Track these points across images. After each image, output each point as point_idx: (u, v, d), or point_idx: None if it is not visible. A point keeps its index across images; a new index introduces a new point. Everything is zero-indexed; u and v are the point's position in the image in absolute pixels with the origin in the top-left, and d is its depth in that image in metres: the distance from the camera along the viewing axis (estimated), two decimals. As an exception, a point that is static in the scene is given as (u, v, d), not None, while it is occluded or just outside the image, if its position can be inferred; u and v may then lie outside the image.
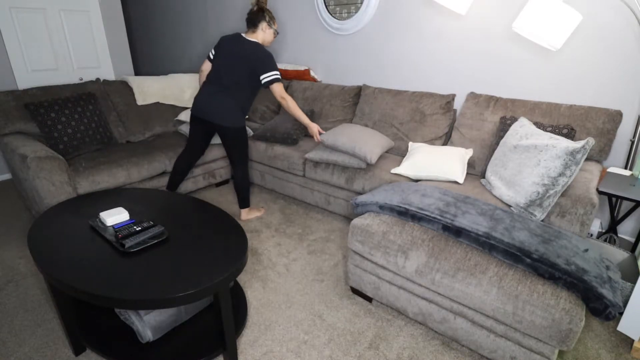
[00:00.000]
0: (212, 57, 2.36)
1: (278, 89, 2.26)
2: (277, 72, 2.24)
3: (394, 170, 2.30)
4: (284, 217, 2.69)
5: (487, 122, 2.34)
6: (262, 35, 2.28)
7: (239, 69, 2.21)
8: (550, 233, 1.46)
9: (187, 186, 2.93)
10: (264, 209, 2.78)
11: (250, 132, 3.12)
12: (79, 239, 1.47)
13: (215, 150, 3.02)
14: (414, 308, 1.62)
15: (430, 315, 1.57)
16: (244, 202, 2.59)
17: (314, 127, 2.42)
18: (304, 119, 2.38)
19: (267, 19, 2.26)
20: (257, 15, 2.24)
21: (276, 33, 2.35)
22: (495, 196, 1.95)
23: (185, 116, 3.09)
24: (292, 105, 2.32)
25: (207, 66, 2.42)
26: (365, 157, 2.30)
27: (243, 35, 2.27)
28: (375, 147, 2.38)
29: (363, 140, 2.37)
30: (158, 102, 3.14)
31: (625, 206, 2.20)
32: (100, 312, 1.60)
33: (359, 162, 2.36)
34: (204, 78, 2.45)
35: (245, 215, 2.63)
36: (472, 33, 2.50)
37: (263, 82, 2.24)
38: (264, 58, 2.20)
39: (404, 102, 2.69)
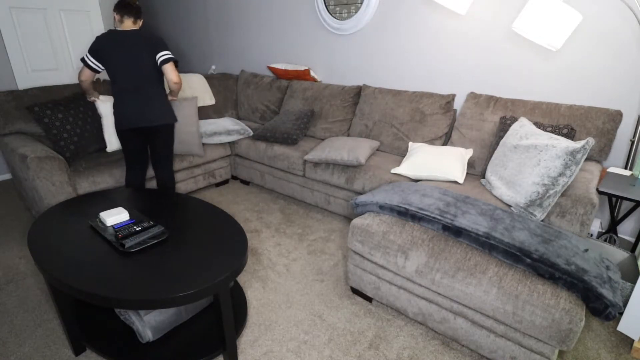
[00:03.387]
0: (94, 65, 2.11)
1: (172, 68, 2.15)
2: (171, 53, 2.14)
3: (394, 170, 2.30)
4: (284, 217, 2.69)
5: (487, 122, 2.34)
6: (137, 28, 2.15)
7: (147, 61, 2.10)
8: (550, 233, 1.46)
9: (187, 186, 2.93)
10: None
11: (250, 132, 3.12)
12: (79, 239, 1.47)
13: (216, 150, 3.02)
14: (414, 308, 1.62)
15: (430, 315, 1.57)
16: None
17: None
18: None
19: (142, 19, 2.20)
20: (138, 10, 2.13)
21: None
22: (495, 196, 1.95)
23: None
24: (179, 89, 2.30)
25: (88, 76, 2.17)
26: (358, 158, 2.38)
27: (121, 29, 2.10)
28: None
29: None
30: (158, 102, 3.14)
31: (625, 206, 2.20)
32: (100, 312, 1.60)
33: (357, 161, 2.37)
34: (88, 85, 2.26)
35: None
36: (472, 33, 2.50)
37: (159, 60, 2.11)
38: (158, 39, 2.14)
39: (404, 102, 2.69)
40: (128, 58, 2.07)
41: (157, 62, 2.13)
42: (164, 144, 2.31)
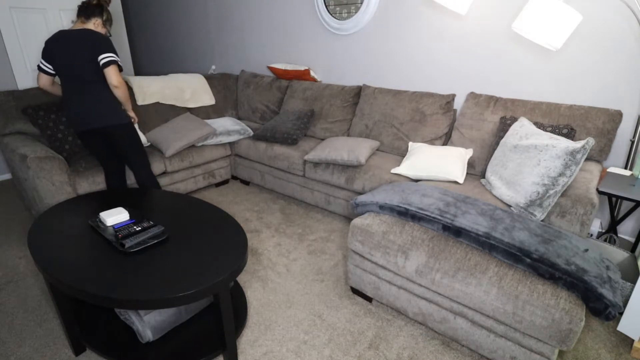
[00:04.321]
0: (47, 68, 2.06)
1: (114, 72, 2.03)
2: (117, 56, 2.06)
3: (394, 170, 2.30)
4: (284, 217, 2.69)
5: (487, 122, 2.34)
6: (93, 28, 2.06)
7: (86, 60, 2.00)
8: (550, 233, 1.46)
9: (187, 186, 2.93)
10: None
11: (250, 132, 3.12)
12: (79, 239, 1.47)
13: (215, 150, 3.02)
14: (414, 308, 1.62)
15: (430, 315, 1.57)
16: None
17: (135, 118, 2.35)
18: (130, 107, 2.25)
19: (104, 17, 2.09)
20: (93, 9, 2.04)
21: (108, 35, 2.16)
22: (495, 196, 1.95)
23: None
24: (124, 95, 2.14)
25: (45, 81, 2.11)
26: (358, 158, 2.37)
27: (69, 29, 2.05)
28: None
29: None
30: (158, 102, 3.14)
31: (625, 206, 2.20)
32: (100, 312, 1.60)
33: (357, 160, 2.37)
34: (51, 91, 2.19)
35: None
36: (472, 33, 2.50)
37: (101, 62, 2.01)
38: (101, 38, 2.02)
39: (404, 102, 2.69)
40: (69, 58, 1.99)
41: (99, 64, 2.02)
42: (125, 144, 2.19)
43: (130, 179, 2.46)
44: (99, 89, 2.07)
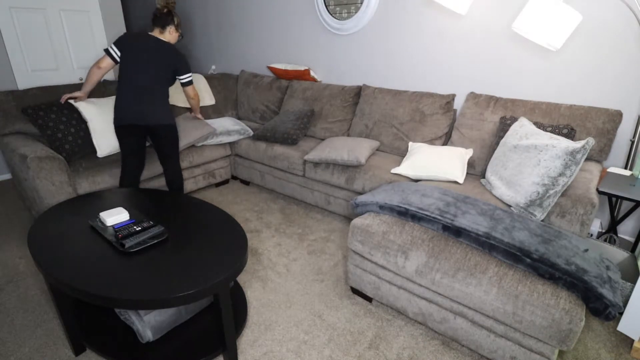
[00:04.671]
0: (116, 56, 2.23)
1: (192, 88, 2.54)
2: (191, 74, 2.47)
3: (394, 170, 2.30)
4: (284, 217, 2.69)
5: (487, 122, 2.34)
6: (169, 37, 2.33)
7: (160, 69, 2.25)
8: (550, 233, 1.46)
9: (187, 186, 2.93)
10: None
11: (250, 132, 3.12)
12: (79, 239, 1.47)
13: (215, 150, 3.02)
14: (414, 308, 1.62)
15: (430, 315, 1.57)
16: None
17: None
18: (198, 110, 2.81)
19: (176, 22, 2.33)
20: (165, 18, 2.28)
21: (181, 37, 2.44)
22: (495, 196, 1.95)
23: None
24: (197, 103, 2.69)
25: (107, 64, 2.25)
26: (358, 158, 2.37)
27: (152, 34, 2.28)
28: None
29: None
30: (158, 102, 3.14)
31: (625, 206, 2.20)
32: (100, 312, 1.60)
33: (357, 160, 2.37)
34: (100, 76, 2.32)
35: None
36: (472, 33, 2.50)
37: (182, 82, 2.43)
38: (183, 60, 2.36)
39: (404, 102, 2.69)
40: (143, 60, 2.21)
41: (170, 76, 2.33)
42: (168, 143, 2.39)
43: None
44: (160, 92, 2.31)
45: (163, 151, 2.40)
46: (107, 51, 2.24)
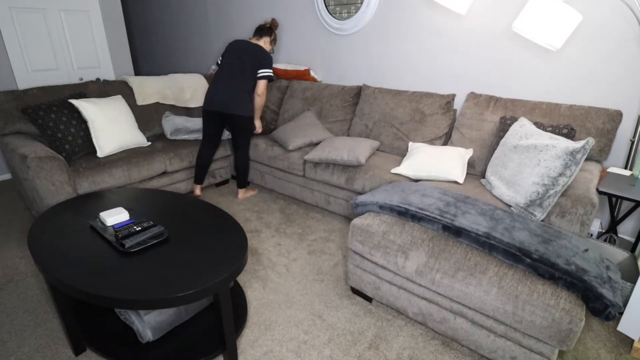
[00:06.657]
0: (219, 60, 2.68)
1: (264, 84, 2.66)
2: (272, 73, 2.66)
3: (394, 170, 2.30)
4: (284, 217, 2.69)
5: (487, 122, 2.34)
6: (262, 45, 2.72)
7: (248, 66, 2.57)
8: (550, 233, 1.46)
9: (187, 186, 2.93)
10: (257, 189, 3.13)
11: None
12: (79, 239, 1.47)
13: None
14: (414, 308, 1.62)
15: (430, 315, 1.57)
16: (243, 183, 2.91)
17: (258, 129, 2.93)
18: (258, 116, 2.87)
19: (272, 37, 2.74)
20: (266, 30, 2.72)
21: (272, 52, 2.82)
22: (495, 196, 1.95)
23: None
24: (261, 103, 2.75)
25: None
26: (358, 158, 2.35)
27: (250, 40, 2.69)
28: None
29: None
30: (158, 102, 3.14)
31: (625, 206, 2.20)
32: (100, 312, 1.60)
33: (357, 160, 2.37)
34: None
35: (243, 194, 2.95)
36: (472, 33, 2.50)
37: (258, 75, 2.62)
38: (267, 57, 2.63)
39: (404, 102, 2.69)
40: (235, 58, 2.60)
41: (255, 72, 2.61)
42: (241, 131, 2.68)
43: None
44: (245, 87, 2.60)
45: (236, 140, 2.71)
46: (217, 64, 2.75)
